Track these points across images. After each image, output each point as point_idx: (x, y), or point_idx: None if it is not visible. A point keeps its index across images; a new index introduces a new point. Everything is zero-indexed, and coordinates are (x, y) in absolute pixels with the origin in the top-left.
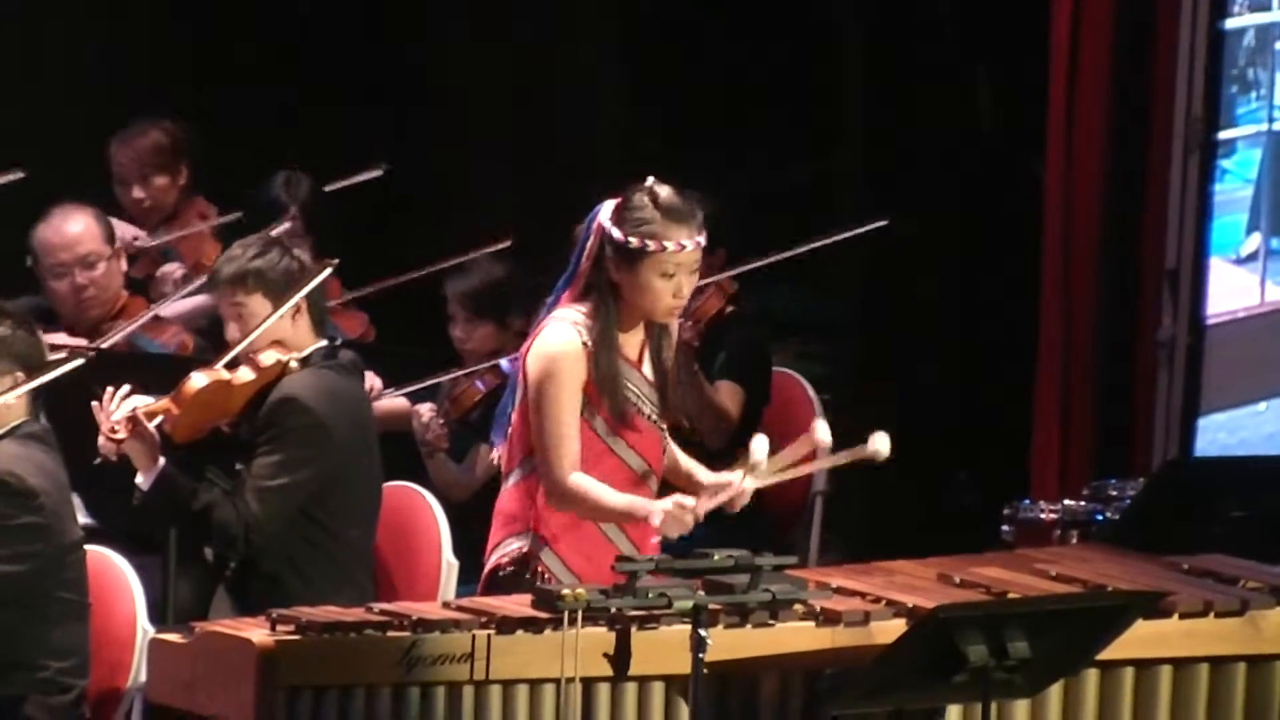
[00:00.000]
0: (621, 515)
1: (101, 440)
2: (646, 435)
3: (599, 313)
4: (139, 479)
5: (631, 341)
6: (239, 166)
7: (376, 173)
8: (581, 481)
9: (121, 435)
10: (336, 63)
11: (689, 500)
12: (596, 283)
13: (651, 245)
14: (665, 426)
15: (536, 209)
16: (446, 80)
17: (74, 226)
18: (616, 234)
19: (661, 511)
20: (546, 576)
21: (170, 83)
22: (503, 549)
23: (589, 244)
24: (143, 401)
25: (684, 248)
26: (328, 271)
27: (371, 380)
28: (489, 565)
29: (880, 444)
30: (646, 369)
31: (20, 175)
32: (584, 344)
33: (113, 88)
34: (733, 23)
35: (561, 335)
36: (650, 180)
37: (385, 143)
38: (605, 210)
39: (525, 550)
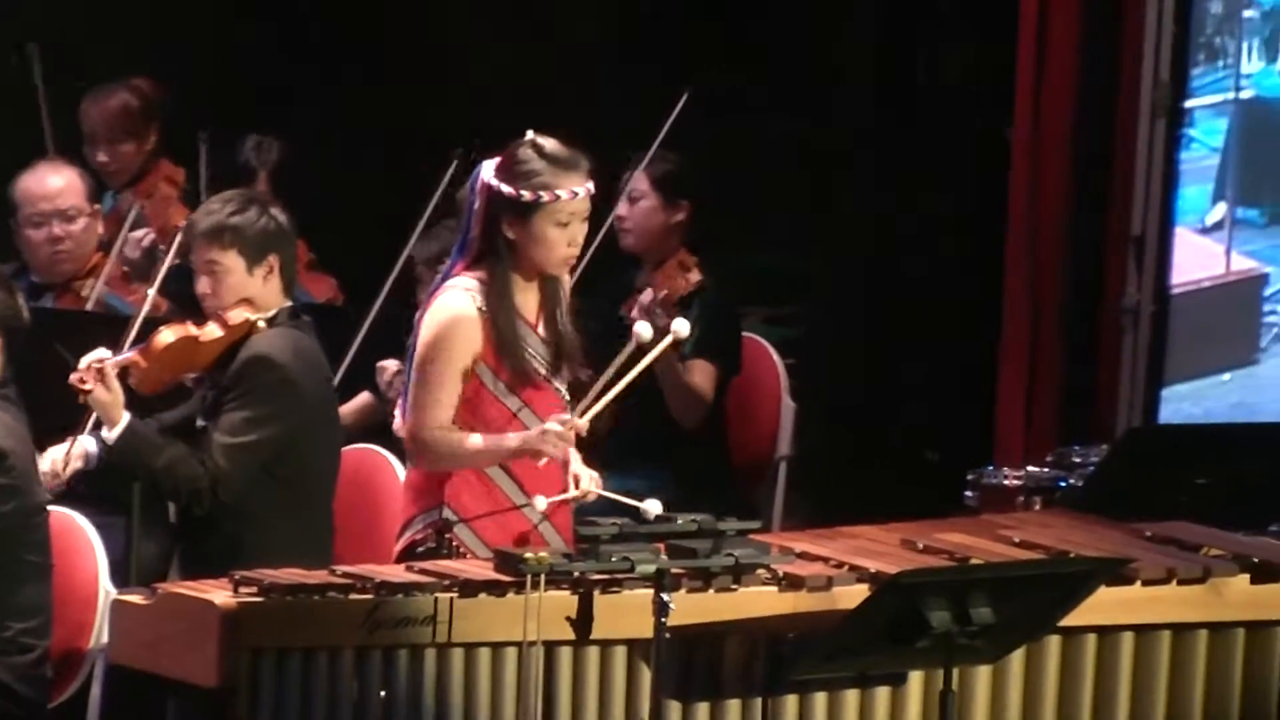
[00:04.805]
0: (492, 453)
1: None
2: (545, 394)
3: (495, 275)
4: (105, 432)
5: (529, 302)
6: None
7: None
8: (440, 432)
9: (89, 386)
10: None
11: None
12: (490, 246)
13: (545, 196)
14: (564, 388)
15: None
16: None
17: (57, 179)
18: (508, 189)
19: (541, 432)
20: (462, 551)
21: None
22: (415, 526)
23: (476, 207)
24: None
25: (576, 195)
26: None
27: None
28: (403, 543)
29: (679, 326)
30: (542, 329)
31: None
32: (479, 309)
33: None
34: None
35: (457, 302)
36: (531, 134)
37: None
38: (488, 170)
39: (439, 526)
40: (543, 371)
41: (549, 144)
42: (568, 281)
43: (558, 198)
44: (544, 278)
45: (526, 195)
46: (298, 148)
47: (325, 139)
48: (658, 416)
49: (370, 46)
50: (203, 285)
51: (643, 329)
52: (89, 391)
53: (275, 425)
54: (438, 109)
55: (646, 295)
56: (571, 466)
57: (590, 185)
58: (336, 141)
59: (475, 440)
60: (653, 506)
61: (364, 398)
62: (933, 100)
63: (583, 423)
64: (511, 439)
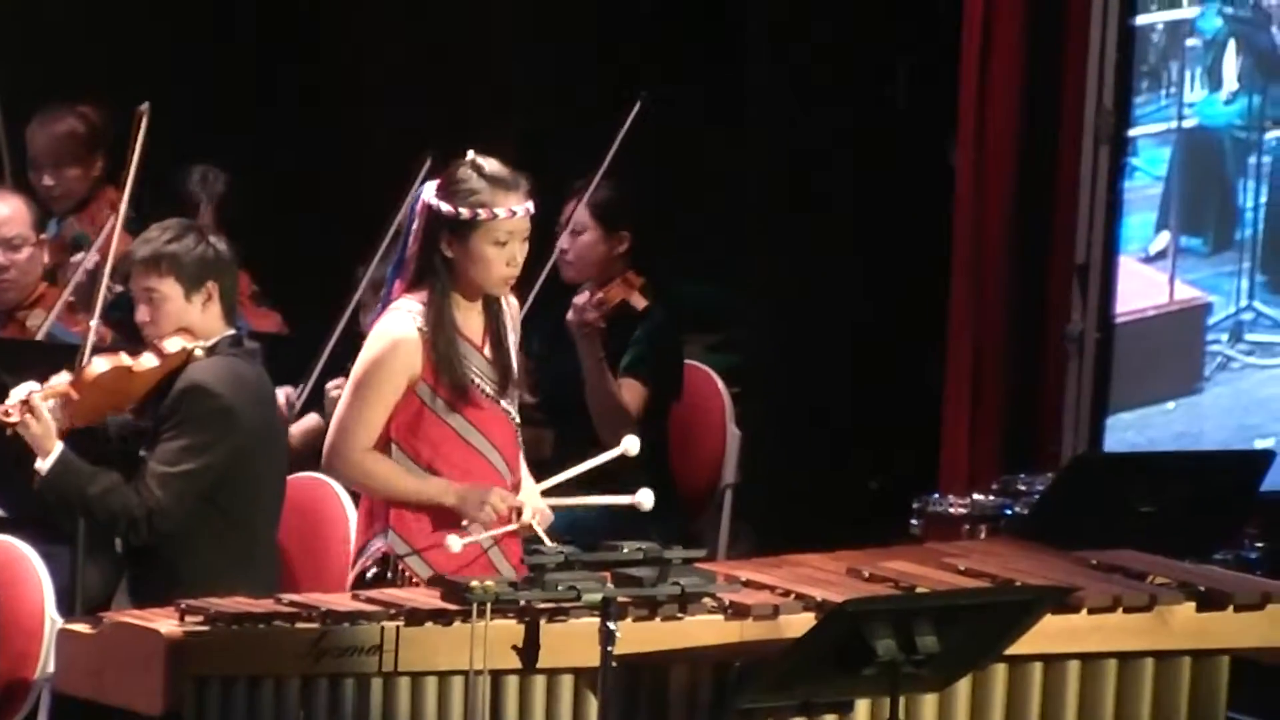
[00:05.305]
0: (417, 496)
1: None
2: (491, 414)
3: (434, 295)
4: (38, 463)
5: (473, 323)
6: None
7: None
8: (362, 454)
9: (15, 418)
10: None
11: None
12: (428, 265)
13: (483, 214)
14: (514, 410)
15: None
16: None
17: (2, 207)
18: (446, 208)
19: (481, 502)
20: (407, 574)
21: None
22: (367, 552)
23: (415, 227)
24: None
25: (514, 214)
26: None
27: (286, 393)
28: (355, 570)
29: (629, 444)
30: (489, 350)
31: None
32: (420, 330)
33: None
34: None
35: (399, 324)
36: (471, 154)
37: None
38: (428, 190)
39: (385, 550)
40: (489, 391)
41: (489, 163)
42: (515, 305)
43: (495, 216)
44: (486, 298)
45: (465, 213)
46: (290, 152)
47: (314, 143)
48: (602, 444)
49: (367, 47)
50: (142, 313)
51: (645, 498)
52: (16, 424)
53: (212, 454)
54: (439, 109)
55: (582, 296)
56: (519, 496)
57: (529, 204)
58: (331, 144)
59: (403, 479)
60: (631, 445)
61: (312, 420)
62: (877, 123)
63: (526, 520)
64: (447, 493)
